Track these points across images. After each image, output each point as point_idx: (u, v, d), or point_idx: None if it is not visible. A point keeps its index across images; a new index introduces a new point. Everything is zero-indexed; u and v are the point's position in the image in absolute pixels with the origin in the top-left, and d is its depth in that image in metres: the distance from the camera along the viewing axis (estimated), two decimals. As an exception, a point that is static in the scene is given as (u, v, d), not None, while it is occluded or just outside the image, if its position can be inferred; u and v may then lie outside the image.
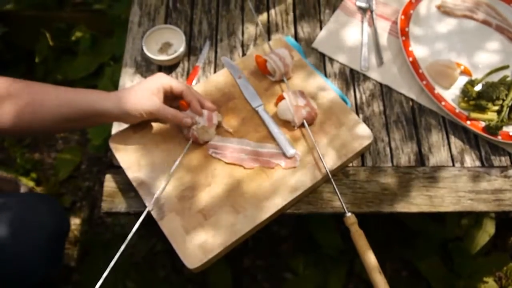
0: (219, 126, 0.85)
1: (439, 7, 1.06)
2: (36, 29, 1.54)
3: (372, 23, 1.04)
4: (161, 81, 0.78)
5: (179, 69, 0.97)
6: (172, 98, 0.81)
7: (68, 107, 0.74)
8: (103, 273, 0.67)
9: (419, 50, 0.99)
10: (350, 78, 0.97)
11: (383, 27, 1.04)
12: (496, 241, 1.33)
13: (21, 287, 0.85)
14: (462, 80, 0.96)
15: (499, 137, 0.89)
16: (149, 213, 0.77)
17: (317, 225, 1.31)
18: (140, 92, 0.76)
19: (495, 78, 0.95)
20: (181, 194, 0.78)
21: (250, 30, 1.02)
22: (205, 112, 0.81)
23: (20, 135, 1.28)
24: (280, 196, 0.79)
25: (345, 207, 0.77)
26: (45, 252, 0.85)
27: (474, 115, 0.91)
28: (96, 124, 0.79)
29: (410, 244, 1.31)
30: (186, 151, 0.81)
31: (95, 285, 0.67)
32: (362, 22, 1.04)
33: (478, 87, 0.94)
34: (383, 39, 1.02)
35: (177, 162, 0.79)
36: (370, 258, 0.71)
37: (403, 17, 1.02)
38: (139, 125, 0.83)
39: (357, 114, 0.93)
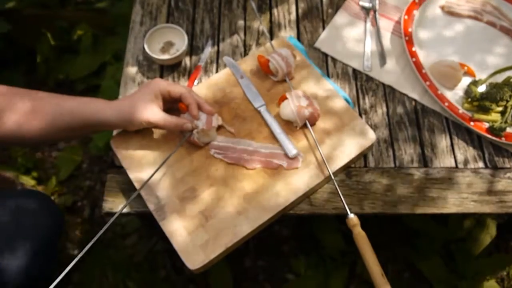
0: (220, 127, 0.84)
1: (443, 8, 1.05)
2: (38, 28, 1.53)
3: (375, 23, 1.03)
4: (159, 87, 0.78)
5: (181, 69, 0.96)
6: (171, 101, 0.81)
7: (70, 116, 0.74)
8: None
9: (422, 51, 0.98)
10: (353, 78, 0.97)
11: (386, 27, 1.03)
12: (498, 242, 1.33)
13: (17, 286, 0.85)
14: (465, 81, 0.95)
15: (503, 139, 0.88)
16: (150, 214, 0.77)
17: (319, 226, 1.31)
18: (140, 101, 0.76)
19: (499, 79, 0.94)
20: (182, 195, 0.78)
21: (253, 29, 1.02)
22: (204, 115, 0.81)
23: (22, 144, 1.28)
24: (282, 197, 0.78)
25: (347, 208, 0.76)
26: (39, 250, 0.85)
27: (477, 116, 0.90)
28: (97, 132, 0.80)
29: (412, 245, 1.30)
30: (180, 145, 0.80)
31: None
32: (365, 22, 1.03)
33: (482, 88, 0.93)
34: (386, 39, 1.01)
35: (172, 153, 0.79)
36: (373, 261, 0.70)
37: (406, 17, 1.01)
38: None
39: (360, 114, 0.92)
